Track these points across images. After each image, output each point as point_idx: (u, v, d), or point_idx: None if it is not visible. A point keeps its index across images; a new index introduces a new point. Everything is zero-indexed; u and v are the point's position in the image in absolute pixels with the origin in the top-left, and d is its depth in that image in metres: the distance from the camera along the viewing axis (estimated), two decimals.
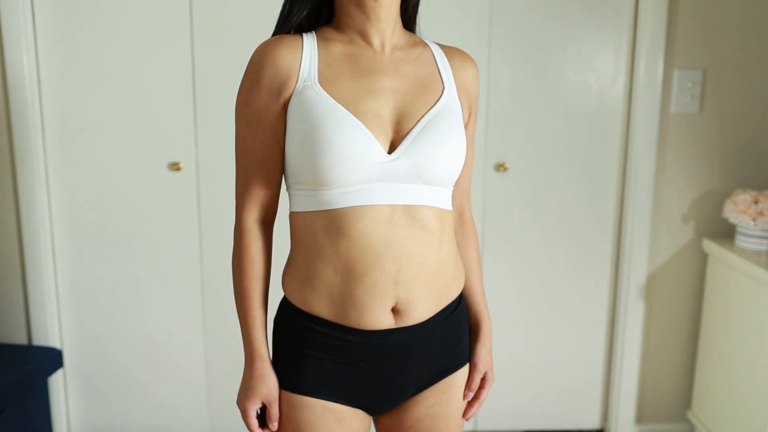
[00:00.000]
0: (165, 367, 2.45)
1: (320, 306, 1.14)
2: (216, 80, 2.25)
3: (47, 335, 2.35)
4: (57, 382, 2.40)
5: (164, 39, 2.23)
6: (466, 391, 1.26)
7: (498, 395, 2.54)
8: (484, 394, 1.28)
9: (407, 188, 1.11)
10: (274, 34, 1.19)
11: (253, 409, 1.17)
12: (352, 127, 1.08)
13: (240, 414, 1.19)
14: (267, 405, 1.17)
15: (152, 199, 2.33)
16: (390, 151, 1.11)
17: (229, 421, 2.49)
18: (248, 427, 1.18)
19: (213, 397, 2.48)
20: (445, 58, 1.23)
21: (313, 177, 1.09)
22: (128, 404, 2.47)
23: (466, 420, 1.29)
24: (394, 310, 1.14)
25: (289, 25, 1.17)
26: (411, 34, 1.25)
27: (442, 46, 1.25)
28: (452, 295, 1.21)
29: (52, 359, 2.28)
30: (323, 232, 1.11)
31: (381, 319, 1.13)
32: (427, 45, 1.24)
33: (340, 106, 1.09)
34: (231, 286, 2.44)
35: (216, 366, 2.45)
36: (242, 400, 1.18)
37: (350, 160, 1.07)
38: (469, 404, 1.28)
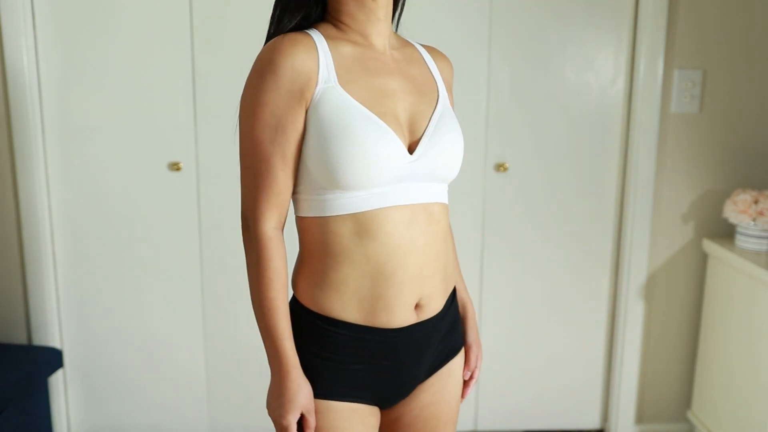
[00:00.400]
0: (165, 367, 2.45)
1: (347, 310, 1.13)
2: (216, 80, 2.25)
3: (47, 335, 2.35)
4: (57, 382, 2.40)
5: (164, 39, 2.23)
6: (465, 371, 1.33)
7: (498, 395, 2.54)
8: (478, 372, 1.35)
9: (424, 187, 1.15)
10: (269, 35, 1.17)
11: (295, 422, 1.12)
12: (379, 129, 1.08)
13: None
14: (306, 414, 1.13)
15: (152, 199, 2.33)
16: (408, 152, 1.13)
17: (229, 421, 2.49)
18: None
19: (213, 397, 2.48)
20: (430, 57, 1.26)
21: (341, 180, 1.07)
22: (128, 404, 2.47)
23: (462, 400, 1.34)
24: (417, 306, 1.17)
25: (283, 29, 1.14)
26: (396, 34, 1.27)
27: (423, 46, 1.29)
28: (453, 285, 1.27)
29: (52, 359, 2.28)
30: (351, 236, 1.11)
31: (407, 317, 1.16)
32: (413, 45, 1.27)
33: (365, 108, 1.09)
34: (231, 286, 2.45)
35: (216, 366, 2.45)
36: (284, 415, 1.11)
37: (381, 162, 1.08)
38: (465, 384, 1.34)
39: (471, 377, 1.34)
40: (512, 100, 2.34)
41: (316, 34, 1.13)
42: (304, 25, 1.16)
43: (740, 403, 2.17)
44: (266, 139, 1.09)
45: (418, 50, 1.26)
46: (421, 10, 2.22)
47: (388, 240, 1.11)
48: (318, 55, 1.09)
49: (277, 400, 1.13)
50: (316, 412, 1.15)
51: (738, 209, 2.19)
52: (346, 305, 1.13)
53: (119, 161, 2.30)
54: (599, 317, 2.52)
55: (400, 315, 1.15)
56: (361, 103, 1.09)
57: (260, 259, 1.11)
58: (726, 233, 2.39)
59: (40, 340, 2.35)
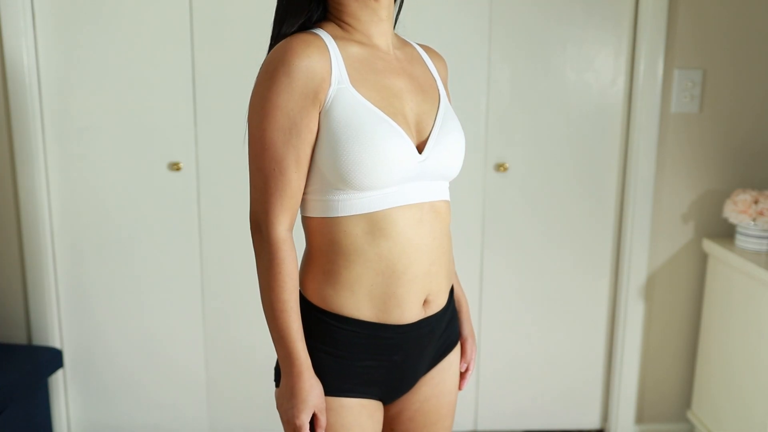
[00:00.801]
0: (165, 367, 2.45)
1: (360, 308, 1.15)
2: (216, 80, 2.25)
3: (47, 335, 2.35)
4: (57, 382, 2.40)
5: (164, 39, 2.23)
6: (462, 363, 1.36)
7: (498, 395, 2.54)
8: (473, 364, 1.38)
9: (431, 185, 1.17)
10: (273, 38, 1.17)
11: (308, 422, 1.13)
12: (392, 130, 1.09)
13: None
14: (318, 413, 1.14)
15: (152, 199, 2.33)
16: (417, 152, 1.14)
17: (229, 421, 2.49)
18: None
19: (213, 397, 2.48)
20: (427, 56, 1.28)
21: (354, 181, 1.08)
22: (128, 404, 2.47)
23: (460, 390, 1.37)
24: (425, 302, 1.20)
25: (287, 32, 1.13)
26: (395, 33, 1.27)
27: (419, 45, 1.30)
28: (452, 280, 1.29)
29: (52, 359, 2.28)
30: (364, 236, 1.12)
31: (417, 313, 1.18)
32: (411, 44, 1.28)
33: (377, 108, 1.10)
34: (231, 286, 2.44)
35: (216, 366, 2.45)
36: (297, 416, 1.12)
37: (394, 163, 1.09)
38: (462, 376, 1.36)
39: (467, 369, 1.37)
40: (512, 100, 2.34)
41: (324, 35, 1.12)
42: (307, 25, 1.15)
43: (740, 403, 2.17)
44: (279, 141, 1.08)
45: (416, 49, 1.27)
46: (421, 10, 2.22)
47: (400, 239, 1.12)
48: (330, 56, 1.09)
49: (289, 401, 1.13)
50: (327, 409, 1.16)
51: (738, 209, 2.19)
52: (358, 303, 1.14)
53: (119, 161, 2.30)
54: (599, 317, 2.52)
55: (411, 311, 1.17)
56: (372, 103, 1.10)
57: (273, 263, 1.10)
58: (726, 233, 2.39)
59: (40, 340, 2.35)
